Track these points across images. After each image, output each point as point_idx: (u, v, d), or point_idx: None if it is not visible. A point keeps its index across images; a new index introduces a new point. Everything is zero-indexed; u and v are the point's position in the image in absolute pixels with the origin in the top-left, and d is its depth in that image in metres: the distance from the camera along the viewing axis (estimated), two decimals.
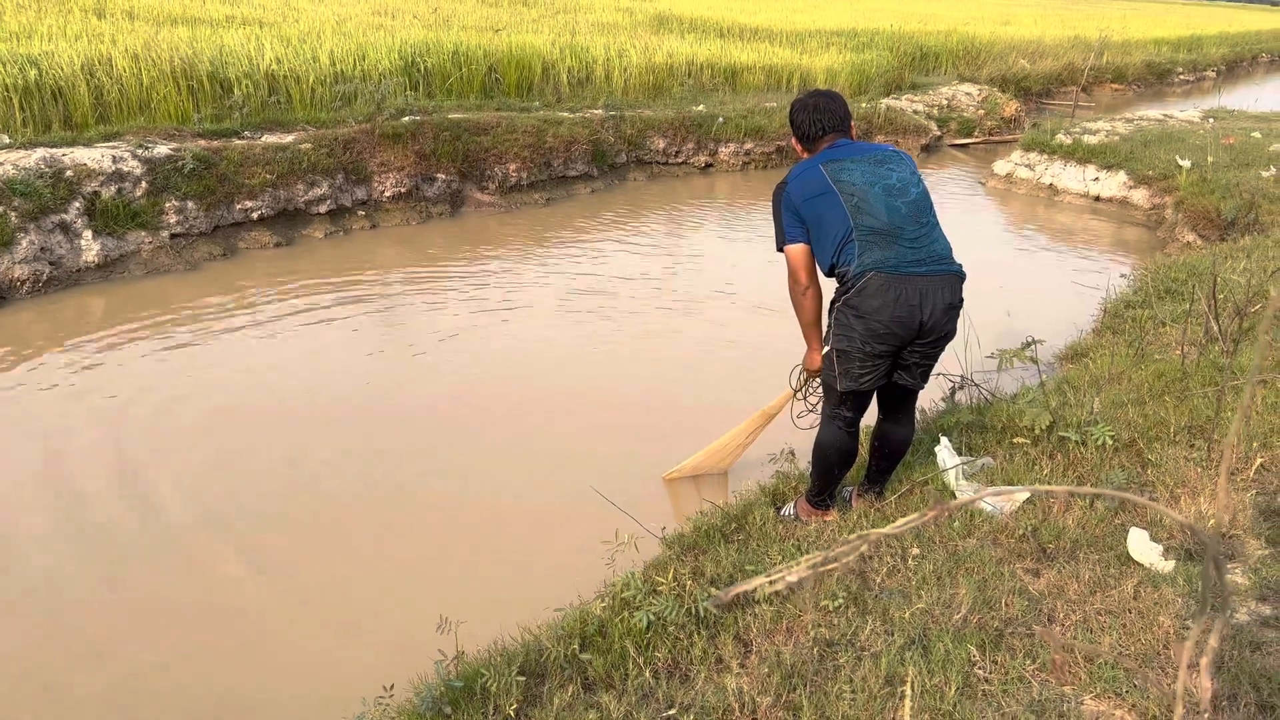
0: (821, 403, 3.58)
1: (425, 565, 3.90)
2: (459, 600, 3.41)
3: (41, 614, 3.52)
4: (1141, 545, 3.03)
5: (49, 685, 3.21)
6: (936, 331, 3.19)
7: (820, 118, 3.32)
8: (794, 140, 3.44)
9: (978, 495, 1.17)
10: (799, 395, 3.93)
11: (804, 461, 3.95)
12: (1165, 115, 13.43)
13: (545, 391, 5.42)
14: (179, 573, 3.78)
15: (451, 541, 4.07)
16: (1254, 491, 3.46)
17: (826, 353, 3.31)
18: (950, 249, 3.22)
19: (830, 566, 0.94)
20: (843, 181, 3.14)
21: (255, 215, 7.83)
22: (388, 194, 8.75)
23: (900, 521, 0.94)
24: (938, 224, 3.24)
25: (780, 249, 3.29)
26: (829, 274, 3.24)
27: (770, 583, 0.98)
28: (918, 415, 4.42)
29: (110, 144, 7.51)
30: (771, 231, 3.39)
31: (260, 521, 4.12)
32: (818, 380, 3.62)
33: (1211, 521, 3.25)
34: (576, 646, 2.77)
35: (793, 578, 0.96)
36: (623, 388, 5.51)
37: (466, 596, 3.62)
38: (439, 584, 3.77)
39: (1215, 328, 4.55)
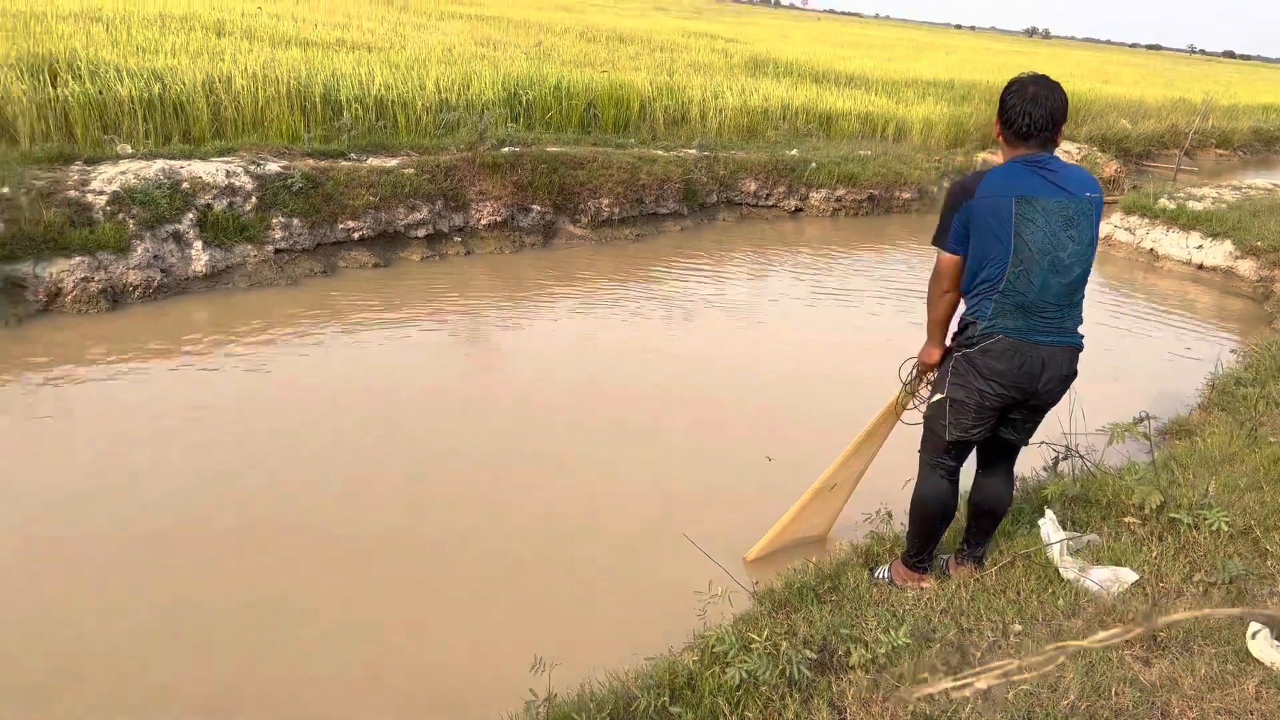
0: (927, 411, 3.40)
1: (515, 599, 3.90)
2: (546, 638, 3.39)
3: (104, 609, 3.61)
4: (1264, 644, 2.89)
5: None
6: (1048, 399, 3.17)
7: (1034, 110, 2.97)
8: (996, 120, 3.09)
9: (1155, 618, 1.11)
10: (909, 389, 3.67)
11: (899, 523, 3.86)
12: (1275, 184, 12.98)
13: (633, 429, 5.42)
14: (254, 592, 3.84)
15: (536, 579, 4.06)
16: None
17: (940, 400, 3.27)
18: (1081, 321, 3.14)
19: (1024, 676, 0.90)
20: (1023, 236, 2.94)
21: (356, 235, 8.02)
22: (484, 222, 8.88)
23: (1102, 635, 0.90)
24: (1082, 299, 3.13)
25: (935, 243, 3.22)
26: (963, 293, 3.20)
27: (958, 687, 0.94)
28: (1019, 483, 4.30)
29: (225, 159, 7.78)
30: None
31: (360, 542, 4.17)
32: (931, 374, 3.47)
33: None
34: (666, 698, 2.73)
35: (981, 685, 0.92)
36: (715, 425, 5.48)
37: (553, 634, 3.60)
38: (530, 620, 3.75)
39: None
